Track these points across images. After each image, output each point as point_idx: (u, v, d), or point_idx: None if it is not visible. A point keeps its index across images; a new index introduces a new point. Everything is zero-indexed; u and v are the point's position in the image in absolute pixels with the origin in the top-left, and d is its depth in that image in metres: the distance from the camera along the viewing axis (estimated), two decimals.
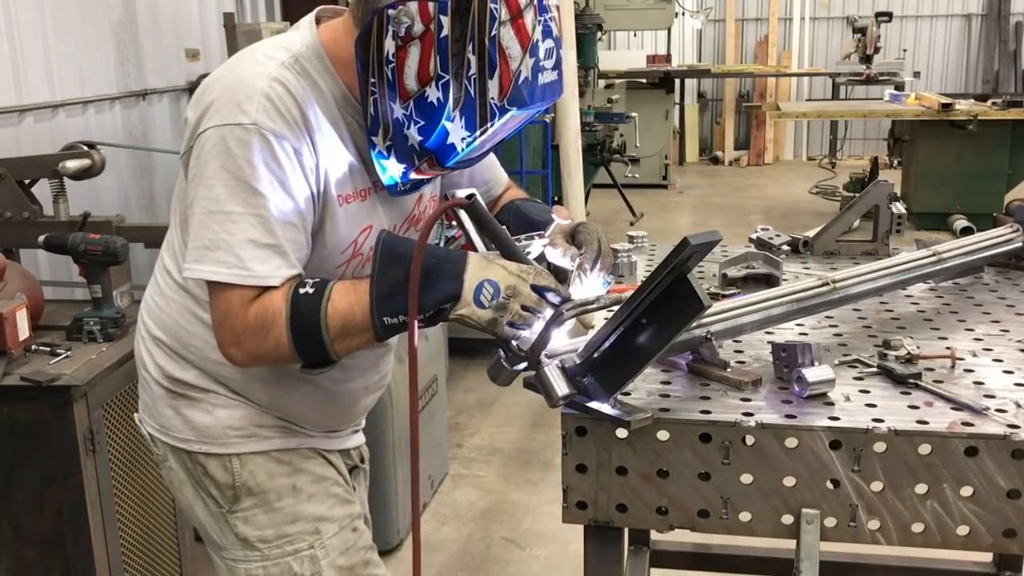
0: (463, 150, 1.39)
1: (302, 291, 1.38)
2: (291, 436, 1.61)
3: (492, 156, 1.73)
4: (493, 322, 1.35)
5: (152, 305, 1.61)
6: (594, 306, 1.42)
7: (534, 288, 1.35)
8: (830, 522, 1.42)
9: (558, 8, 1.38)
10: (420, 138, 1.39)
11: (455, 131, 1.37)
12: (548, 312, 1.37)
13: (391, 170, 1.46)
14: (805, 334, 1.83)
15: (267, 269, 1.37)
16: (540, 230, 1.56)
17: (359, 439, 1.84)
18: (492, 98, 1.33)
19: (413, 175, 1.47)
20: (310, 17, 1.50)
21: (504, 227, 1.46)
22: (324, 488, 1.64)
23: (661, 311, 1.33)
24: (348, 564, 1.65)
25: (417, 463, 1.42)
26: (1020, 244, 2.20)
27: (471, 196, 1.46)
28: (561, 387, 1.37)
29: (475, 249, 1.47)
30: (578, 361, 1.41)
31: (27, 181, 2.57)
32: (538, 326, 1.38)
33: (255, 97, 1.37)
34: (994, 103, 7.86)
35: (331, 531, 1.63)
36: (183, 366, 1.57)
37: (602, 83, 8.58)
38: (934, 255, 2.02)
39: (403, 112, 1.38)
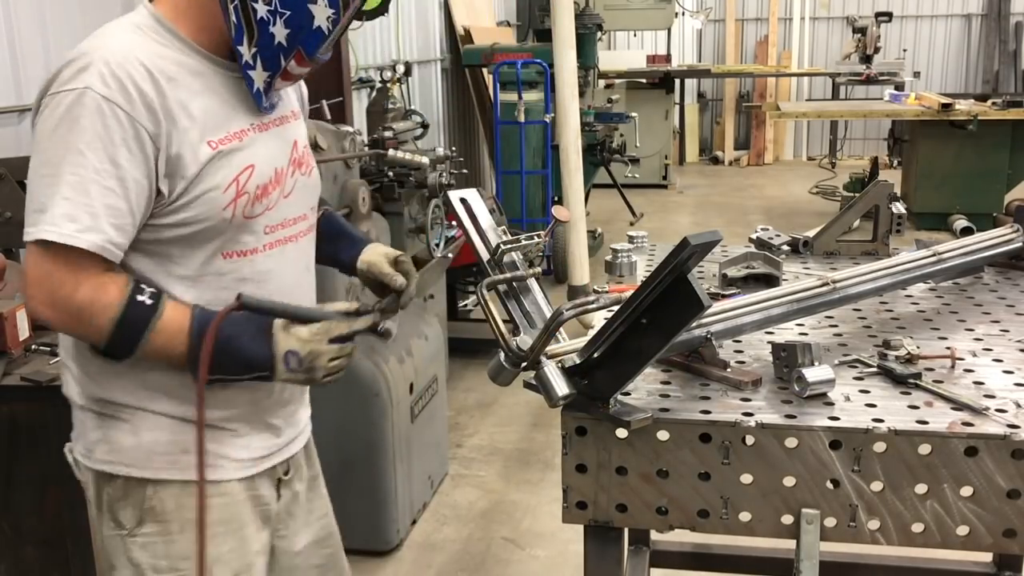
0: (330, 31, 1.49)
1: (139, 298, 1.43)
2: (218, 468, 1.58)
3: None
4: (310, 380, 1.52)
5: (67, 345, 1.60)
6: (594, 306, 1.42)
7: (335, 339, 1.50)
8: (830, 522, 1.42)
9: None
10: (287, 31, 1.48)
11: (320, 12, 1.47)
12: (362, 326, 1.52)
13: (257, 80, 1.54)
14: (805, 334, 1.83)
15: (73, 229, 1.39)
16: (354, 242, 1.80)
17: (296, 446, 1.75)
18: None
19: (279, 81, 1.55)
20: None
21: (284, 304, 1.52)
22: (229, 528, 1.61)
23: (661, 311, 1.33)
24: None
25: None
26: (1020, 244, 2.20)
27: (464, 200, 1.57)
28: (561, 387, 1.37)
29: (474, 247, 1.55)
30: (578, 361, 1.41)
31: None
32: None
33: (94, 64, 1.41)
34: (994, 103, 7.87)
35: (224, 574, 1.60)
36: (103, 385, 1.55)
37: (602, 83, 8.58)
38: (934, 255, 2.02)
39: (267, 9, 1.46)
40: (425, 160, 3.73)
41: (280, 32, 1.47)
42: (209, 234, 1.51)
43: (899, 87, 9.30)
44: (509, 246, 1.56)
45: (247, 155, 1.54)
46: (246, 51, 1.50)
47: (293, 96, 1.73)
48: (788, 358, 1.57)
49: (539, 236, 1.59)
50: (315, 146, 3.17)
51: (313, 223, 1.72)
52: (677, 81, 11.02)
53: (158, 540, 1.58)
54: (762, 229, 2.38)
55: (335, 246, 1.81)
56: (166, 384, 1.53)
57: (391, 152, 3.71)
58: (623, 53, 12.15)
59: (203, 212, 1.49)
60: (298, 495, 1.77)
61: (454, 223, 1.59)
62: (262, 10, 1.46)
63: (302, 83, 1.75)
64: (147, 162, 1.43)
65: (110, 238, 1.41)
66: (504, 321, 1.47)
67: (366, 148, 3.60)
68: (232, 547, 1.62)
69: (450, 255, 4.01)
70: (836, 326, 1.89)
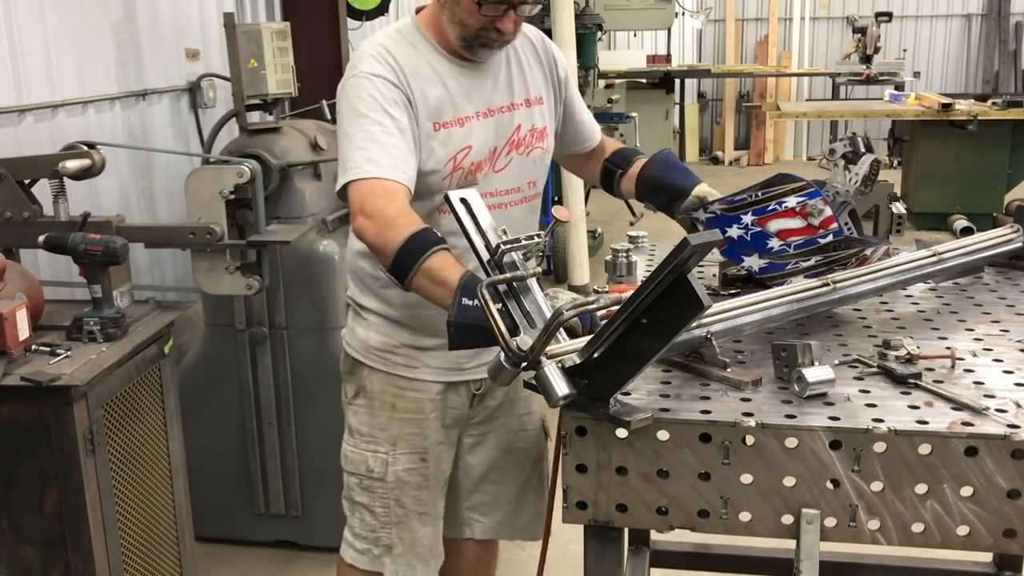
0: None
1: (424, 230, 1.71)
2: (414, 369, 2.05)
3: (589, 114, 2.22)
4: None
5: (347, 254, 2.14)
6: (594, 306, 1.42)
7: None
8: (830, 522, 1.42)
9: None
10: None
11: None
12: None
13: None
14: (805, 334, 1.83)
15: (376, 169, 1.78)
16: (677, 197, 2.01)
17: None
18: None
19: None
20: (413, 9, 2.05)
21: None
22: (415, 417, 2.07)
23: (661, 311, 1.33)
24: (406, 479, 2.08)
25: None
26: (1020, 244, 2.20)
27: (464, 200, 1.61)
28: (561, 387, 1.37)
29: (473, 246, 1.59)
30: (578, 361, 1.41)
31: (27, 181, 2.56)
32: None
33: (365, 58, 1.90)
34: (994, 103, 7.86)
35: (404, 449, 2.08)
36: (359, 288, 2.09)
37: (602, 83, 8.56)
38: (934, 255, 2.02)
39: None
40: None
41: None
42: (432, 192, 1.90)
43: (899, 87, 9.29)
44: (509, 246, 1.56)
45: (465, 137, 1.92)
46: None
47: (538, 84, 2.06)
48: (788, 358, 1.57)
49: (539, 236, 1.59)
50: (315, 146, 3.17)
51: (528, 195, 2.07)
52: (677, 81, 11.01)
53: (364, 411, 2.11)
54: None
55: (672, 173, 2.10)
56: (385, 296, 2.02)
57: None
58: (623, 53, 12.14)
59: (424, 178, 1.87)
60: (489, 408, 2.19)
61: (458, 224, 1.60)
62: None
63: (557, 64, 2.10)
64: (408, 113, 1.86)
65: (399, 166, 1.80)
66: (501, 310, 1.48)
67: None
68: (414, 431, 2.08)
69: None
70: (836, 326, 1.89)
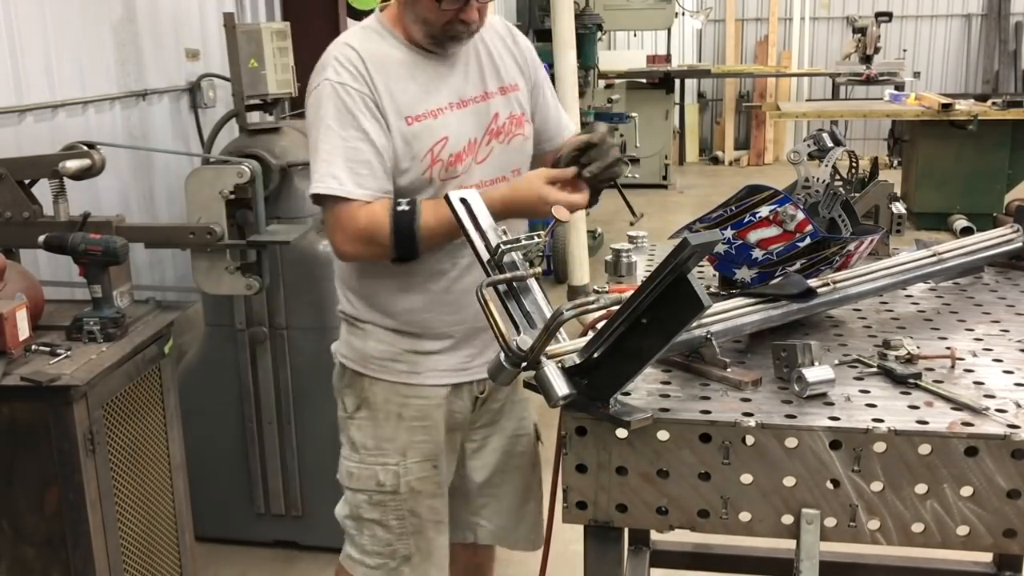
0: None
1: (399, 208, 1.80)
2: (417, 375, 2.02)
3: (560, 110, 2.18)
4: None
5: (337, 266, 2.13)
6: (594, 306, 1.42)
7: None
8: (830, 522, 1.42)
9: None
10: None
11: None
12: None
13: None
14: (806, 334, 1.83)
15: (340, 187, 1.82)
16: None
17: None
18: None
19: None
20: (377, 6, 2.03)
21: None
22: (422, 424, 2.04)
23: (661, 311, 1.33)
24: (420, 488, 2.05)
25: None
26: (1020, 244, 2.20)
27: (464, 200, 1.61)
28: (561, 387, 1.37)
29: (473, 246, 1.58)
30: (578, 361, 1.41)
31: (27, 181, 2.56)
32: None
33: (329, 62, 1.89)
34: (994, 103, 7.86)
35: (415, 458, 2.04)
36: (354, 299, 2.07)
37: (602, 83, 8.56)
38: (934, 255, 2.02)
39: None
40: None
41: None
42: (416, 188, 1.90)
43: (899, 87, 9.28)
44: (509, 246, 1.56)
45: (441, 129, 1.90)
46: None
47: (510, 71, 2.04)
48: (788, 358, 1.57)
49: (539, 236, 1.59)
50: None
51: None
52: (677, 81, 11.01)
53: (368, 424, 2.06)
54: None
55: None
56: (387, 307, 2.00)
57: None
58: (623, 53, 12.13)
59: (405, 168, 1.89)
60: (491, 412, 2.16)
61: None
62: None
63: (525, 52, 2.09)
64: (377, 117, 1.85)
65: (361, 183, 1.83)
66: (501, 309, 1.48)
67: None
68: (424, 439, 2.04)
69: None
70: (836, 326, 1.89)
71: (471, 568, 2.37)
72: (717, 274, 2.05)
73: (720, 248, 1.88)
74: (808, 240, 1.81)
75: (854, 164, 2.31)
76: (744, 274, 1.90)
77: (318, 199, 1.87)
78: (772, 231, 1.83)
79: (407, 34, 1.93)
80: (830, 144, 2.09)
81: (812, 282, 1.81)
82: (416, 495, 2.05)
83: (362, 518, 2.09)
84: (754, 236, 1.85)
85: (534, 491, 2.26)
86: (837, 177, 2.11)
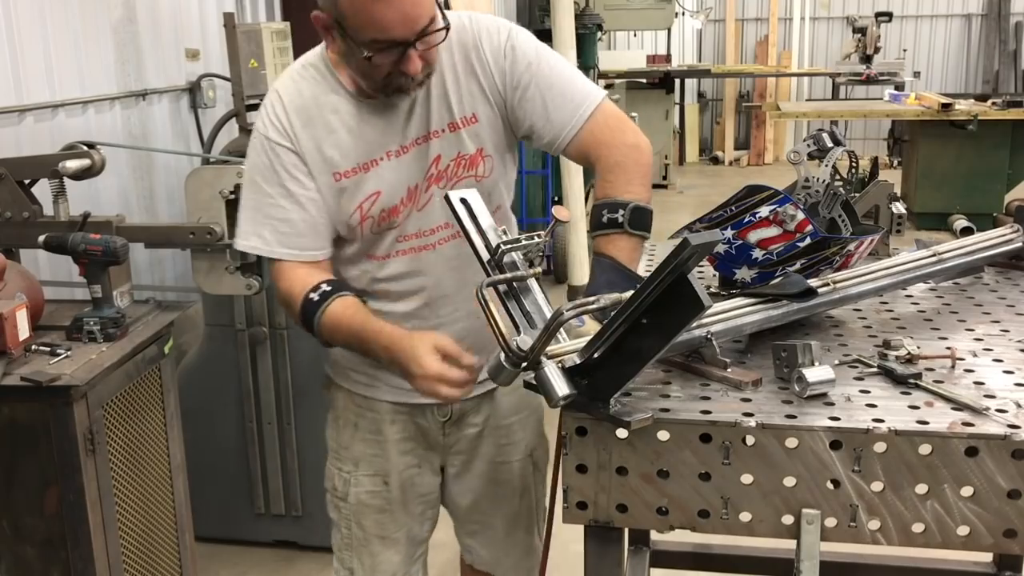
0: None
1: (310, 296, 1.74)
2: (372, 388, 1.96)
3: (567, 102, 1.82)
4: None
5: None
6: (594, 306, 1.42)
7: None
8: (830, 522, 1.42)
9: None
10: None
11: None
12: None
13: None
14: (806, 334, 1.83)
15: (265, 246, 1.79)
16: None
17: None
18: None
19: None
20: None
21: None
22: (376, 438, 1.99)
23: (661, 311, 1.33)
24: (368, 502, 2.01)
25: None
26: (1020, 244, 2.20)
27: (464, 200, 1.59)
28: (561, 387, 1.37)
29: (474, 246, 1.56)
30: (578, 361, 1.41)
31: (27, 181, 2.56)
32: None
33: (267, 105, 1.81)
34: (994, 103, 7.86)
35: (366, 471, 2.00)
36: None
37: (602, 83, 8.57)
38: (934, 255, 2.02)
39: None
40: None
41: None
42: (350, 241, 1.85)
43: (899, 87, 9.29)
44: (509, 246, 1.56)
45: (373, 183, 1.79)
46: None
47: (463, 103, 1.79)
48: (788, 358, 1.57)
49: (539, 236, 1.59)
50: None
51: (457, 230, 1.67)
52: (677, 81, 11.01)
53: (332, 427, 2.07)
54: None
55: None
56: (346, 367, 1.98)
57: None
58: (623, 53, 12.13)
59: (341, 226, 1.82)
60: (468, 437, 2.03)
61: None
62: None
63: (491, 72, 1.78)
64: (304, 173, 1.78)
65: (284, 242, 1.78)
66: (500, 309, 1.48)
67: None
68: (375, 452, 2.00)
69: None
70: (836, 326, 1.89)
71: None
72: (717, 274, 2.05)
73: (720, 248, 1.88)
74: (808, 240, 1.81)
75: (854, 164, 2.31)
76: (744, 274, 1.90)
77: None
78: (772, 231, 1.83)
79: (349, 80, 1.76)
80: (830, 144, 2.09)
81: (812, 282, 1.81)
82: (363, 508, 2.02)
83: (329, 514, 2.11)
84: (754, 236, 1.85)
85: (522, 520, 2.14)
86: (837, 177, 2.10)
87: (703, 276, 2.16)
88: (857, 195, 2.31)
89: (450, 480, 2.09)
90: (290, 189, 1.77)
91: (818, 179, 2.09)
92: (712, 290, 2.01)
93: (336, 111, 1.77)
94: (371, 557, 2.04)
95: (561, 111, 1.81)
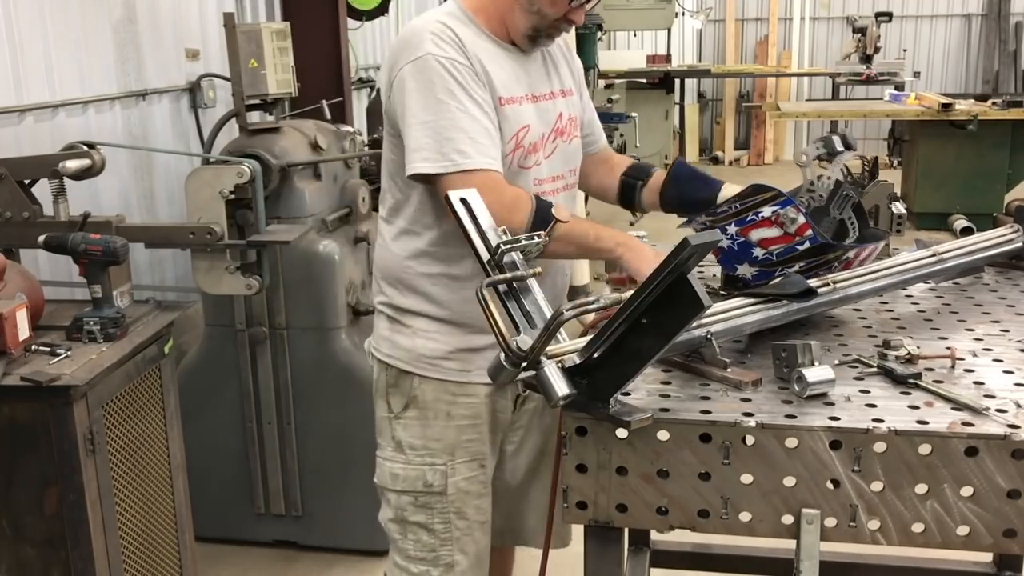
0: None
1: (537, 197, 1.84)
2: (466, 373, 1.99)
3: (594, 110, 2.25)
4: None
5: (379, 258, 2.08)
6: (594, 306, 1.42)
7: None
8: (830, 522, 1.42)
9: None
10: None
11: None
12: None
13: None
14: (806, 334, 1.83)
15: (466, 160, 1.79)
16: (709, 181, 2.11)
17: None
18: None
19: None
20: None
21: None
22: (472, 422, 2.02)
23: (661, 311, 1.33)
24: (467, 488, 2.03)
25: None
26: (1020, 244, 2.20)
27: (464, 200, 1.59)
28: (561, 387, 1.37)
29: (473, 246, 1.56)
30: (578, 361, 1.41)
31: (27, 181, 2.56)
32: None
33: (425, 37, 1.84)
34: (994, 103, 7.86)
35: (463, 457, 2.02)
36: (402, 292, 2.00)
37: (602, 83, 8.56)
38: (934, 255, 2.02)
39: None
40: None
41: None
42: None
43: (899, 87, 9.28)
44: (509, 246, 1.56)
45: (525, 117, 1.93)
46: None
47: (567, 76, 2.10)
48: (788, 358, 1.57)
49: (539, 236, 1.59)
50: (315, 146, 3.17)
51: (570, 183, 2.09)
52: (677, 81, 10.99)
53: (416, 423, 2.02)
54: None
55: (692, 185, 2.11)
56: (438, 296, 1.96)
57: None
58: (623, 53, 12.13)
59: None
60: (528, 412, 2.15)
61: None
62: None
63: (576, 60, 2.16)
64: (483, 91, 1.85)
65: (484, 151, 1.81)
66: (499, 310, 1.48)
67: (366, 148, 3.60)
68: (472, 437, 2.03)
69: None
70: (836, 326, 1.89)
71: (496, 568, 2.33)
72: (719, 273, 2.05)
73: (724, 243, 1.88)
74: (807, 244, 1.81)
75: (867, 168, 2.31)
76: (745, 270, 1.90)
77: (419, 177, 1.83)
78: (773, 232, 1.83)
79: (490, 23, 1.92)
80: (840, 148, 2.07)
81: (812, 282, 1.81)
82: (464, 496, 2.04)
83: (407, 521, 2.06)
84: (756, 235, 1.85)
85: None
86: (849, 179, 2.10)
87: (703, 276, 2.16)
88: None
89: (507, 459, 2.17)
90: (476, 98, 1.82)
91: (824, 184, 2.07)
92: (712, 290, 2.01)
93: (485, 49, 1.90)
94: (475, 544, 2.07)
95: (595, 117, 2.27)
